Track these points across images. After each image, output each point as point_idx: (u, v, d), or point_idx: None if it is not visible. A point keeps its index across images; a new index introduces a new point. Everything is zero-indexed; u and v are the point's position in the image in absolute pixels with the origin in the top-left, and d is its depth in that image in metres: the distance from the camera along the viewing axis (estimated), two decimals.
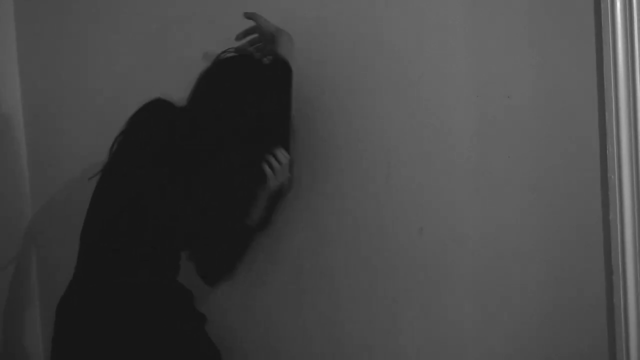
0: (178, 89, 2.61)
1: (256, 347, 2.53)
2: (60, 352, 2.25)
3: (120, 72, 2.75)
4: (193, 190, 2.24)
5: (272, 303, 2.50)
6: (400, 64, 2.25)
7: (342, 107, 2.34)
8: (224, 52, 2.34)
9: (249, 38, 2.40)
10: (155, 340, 2.22)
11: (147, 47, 2.69)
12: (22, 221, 2.94)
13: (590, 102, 2.00)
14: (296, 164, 2.37)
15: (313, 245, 2.41)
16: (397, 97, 2.26)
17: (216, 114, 2.23)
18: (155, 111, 2.29)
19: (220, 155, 2.24)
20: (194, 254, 2.35)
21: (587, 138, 2.02)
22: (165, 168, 2.23)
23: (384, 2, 2.26)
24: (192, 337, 2.30)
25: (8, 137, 2.93)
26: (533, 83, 2.08)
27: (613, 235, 1.97)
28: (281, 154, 2.27)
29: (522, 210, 2.12)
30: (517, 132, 2.11)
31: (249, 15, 2.36)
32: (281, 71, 2.27)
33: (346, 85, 2.33)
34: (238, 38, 2.40)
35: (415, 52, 2.22)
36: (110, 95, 2.75)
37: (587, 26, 2.00)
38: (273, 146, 2.27)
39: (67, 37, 2.87)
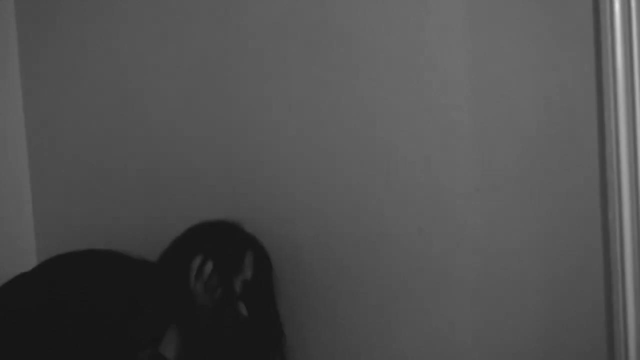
0: (178, 90, 2.61)
1: None
2: None
3: (121, 73, 2.75)
4: None
5: None
6: (400, 63, 2.25)
7: (341, 107, 2.34)
8: None
9: None
10: None
11: (148, 48, 2.69)
12: (23, 221, 2.94)
13: (590, 101, 2.01)
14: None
15: (312, 245, 2.41)
16: (397, 96, 2.26)
17: None
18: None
19: None
20: None
21: (586, 137, 2.02)
22: None
23: (384, 2, 2.26)
24: None
25: (9, 137, 2.93)
26: (533, 83, 2.08)
27: (612, 235, 1.97)
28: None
29: (521, 210, 2.12)
30: (517, 132, 2.11)
31: None
32: None
33: (346, 85, 2.33)
34: None
35: (416, 52, 2.22)
36: (111, 95, 2.75)
37: (586, 26, 2.00)
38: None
39: (68, 37, 2.86)
